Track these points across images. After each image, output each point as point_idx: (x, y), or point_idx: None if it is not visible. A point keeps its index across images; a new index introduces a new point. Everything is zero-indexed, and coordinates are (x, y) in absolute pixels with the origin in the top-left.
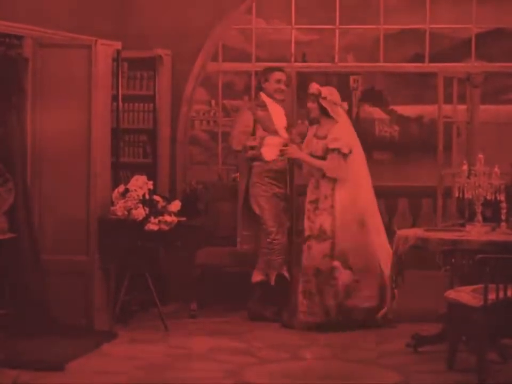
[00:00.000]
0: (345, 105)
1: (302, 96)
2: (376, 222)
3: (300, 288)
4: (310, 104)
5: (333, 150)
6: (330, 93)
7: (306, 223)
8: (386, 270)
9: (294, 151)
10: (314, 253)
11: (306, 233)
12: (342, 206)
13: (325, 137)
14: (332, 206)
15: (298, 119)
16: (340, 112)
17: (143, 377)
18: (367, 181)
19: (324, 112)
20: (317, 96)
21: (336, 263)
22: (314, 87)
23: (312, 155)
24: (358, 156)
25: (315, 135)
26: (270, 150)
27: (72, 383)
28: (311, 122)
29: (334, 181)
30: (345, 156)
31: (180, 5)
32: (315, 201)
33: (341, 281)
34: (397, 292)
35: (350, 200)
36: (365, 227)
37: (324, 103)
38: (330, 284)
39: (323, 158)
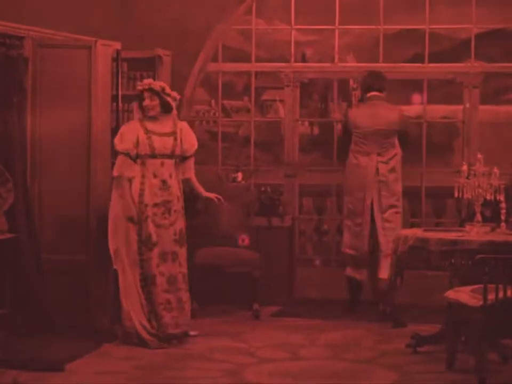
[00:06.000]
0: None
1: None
2: None
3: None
4: (149, 102)
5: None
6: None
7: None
8: None
9: None
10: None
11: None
12: None
13: (170, 134)
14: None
15: (300, 118)
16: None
17: (143, 377)
18: None
19: (167, 108)
20: (159, 92)
21: None
22: (156, 83)
23: (157, 154)
24: None
25: (151, 132)
26: None
27: (72, 383)
28: (150, 119)
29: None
30: None
31: (179, 5)
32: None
33: None
34: None
35: None
36: None
37: (168, 99)
38: None
39: (171, 156)
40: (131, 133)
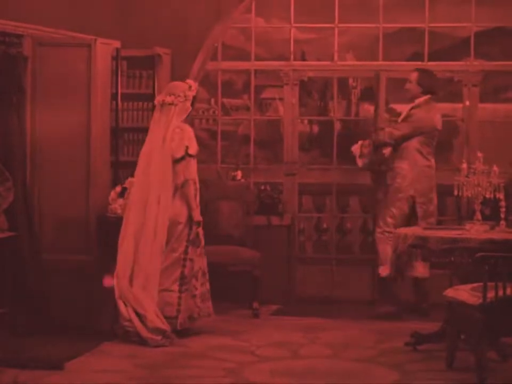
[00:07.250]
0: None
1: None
2: None
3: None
4: None
5: None
6: None
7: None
8: None
9: None
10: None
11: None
12: None
13: None
14: None
15: (299, 117)
16: None
17: (143, 375)
18: None
19: None
20: None
21: None
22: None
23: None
24: None
25: None
26: None
27: (71, 382)
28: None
29: None
30: None
31: (179, 4)
32: None
33: None
34: None
35: None
36: None
37: None
38: None
39: None
40: (194, 137)
